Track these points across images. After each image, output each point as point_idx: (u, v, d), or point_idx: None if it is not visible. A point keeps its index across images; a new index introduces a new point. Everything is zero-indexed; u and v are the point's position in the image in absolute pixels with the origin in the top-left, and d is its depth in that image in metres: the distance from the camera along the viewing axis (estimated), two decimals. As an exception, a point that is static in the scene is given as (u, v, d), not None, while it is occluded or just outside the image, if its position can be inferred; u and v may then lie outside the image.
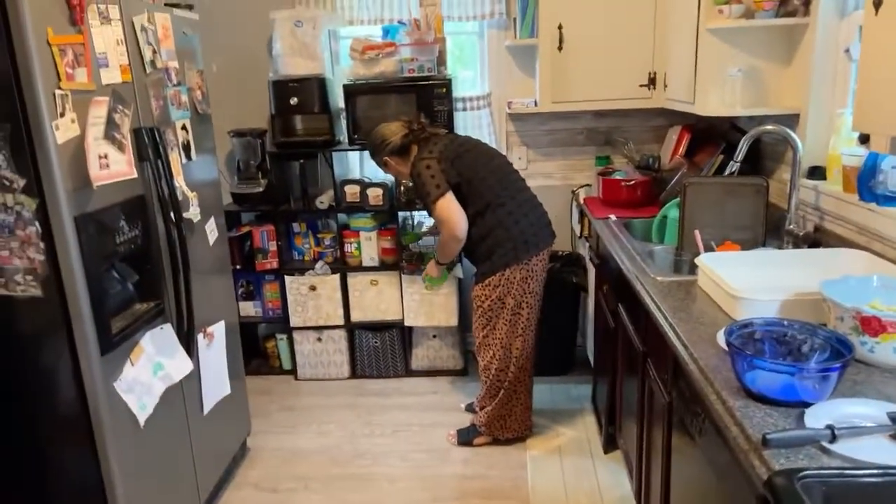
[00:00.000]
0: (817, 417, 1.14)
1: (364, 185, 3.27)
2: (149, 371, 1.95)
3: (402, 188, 3.28)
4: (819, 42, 2.16)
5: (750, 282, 1.64)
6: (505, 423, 2.78)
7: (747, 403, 1.23)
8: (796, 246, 2.13)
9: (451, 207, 2.50)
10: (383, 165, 2.72)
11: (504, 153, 3.15)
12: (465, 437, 2.83)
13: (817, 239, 2.12)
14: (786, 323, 1.36)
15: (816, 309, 1.47)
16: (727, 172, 2.28)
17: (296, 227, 3.50)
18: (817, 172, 2.22)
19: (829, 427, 1.08)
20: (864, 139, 1.80)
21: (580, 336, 3.51)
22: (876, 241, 1.85)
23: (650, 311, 1.81)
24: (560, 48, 2.94)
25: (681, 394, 1.62)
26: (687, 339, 1.53)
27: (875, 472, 1.00)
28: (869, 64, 1.30)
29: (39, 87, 1.54)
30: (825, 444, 1.06)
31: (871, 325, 1.30)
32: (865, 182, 1.86)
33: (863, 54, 1.32)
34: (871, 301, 1.44)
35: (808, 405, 1.18)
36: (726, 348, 1.33)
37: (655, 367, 1.88)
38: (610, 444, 2.71)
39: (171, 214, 2.05)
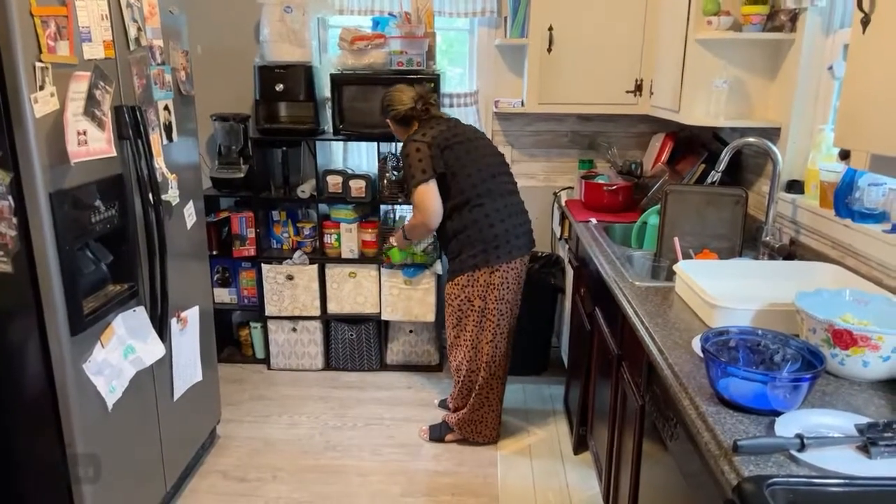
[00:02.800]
0: (787, 426, 1.16)
1: (347, 177, 3.25)
2: (119, 353, 1.92)
3: (386, 181, 3.26)
4: (804, 58, 2.19)
5: (726, 291, 1.66)
6: (476, 429, 2.77)
7: (719, 410, 1.24)
8: (772, 257, 2.17)
9: (429, 196, 2.48)
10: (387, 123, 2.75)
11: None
12: (437, 434, 2.83)
13: (792, 251, 2.16)
14: (760, 332, 1.38)
15: (790, 320, 1.49)
16: (708, 182, 2.31)
17: (275, 215, 3.46)
18: (796, 186, 2.26)
19: (799, 436, 1.10)
20: (845, 155, 1.83)
21: (555, 337, 3.53)
22: (849, 256, 1.88)
23: (627, 315, 1.82)
24: (549, 50, 2.95)
25: (654, 398, 1.64)
26: (662, 344, 1.54)
27: (841, 482, 1.02)
28: (853, 81, 1.32)
29: (19, 58, 1.50)
30: (794, 452, 1.08)
31: (843, 339, 1.33)
32: (842, 198, 1.90)
33: (848, 71, 1.34)
34: (842, 315, 1.46)
35: (778, 414, 1.20)
36: (701, 354, 1.35)
37: (630, 371, 1.90)
38: (580, 446, 2.73)
39: (150, 195, 2.01)
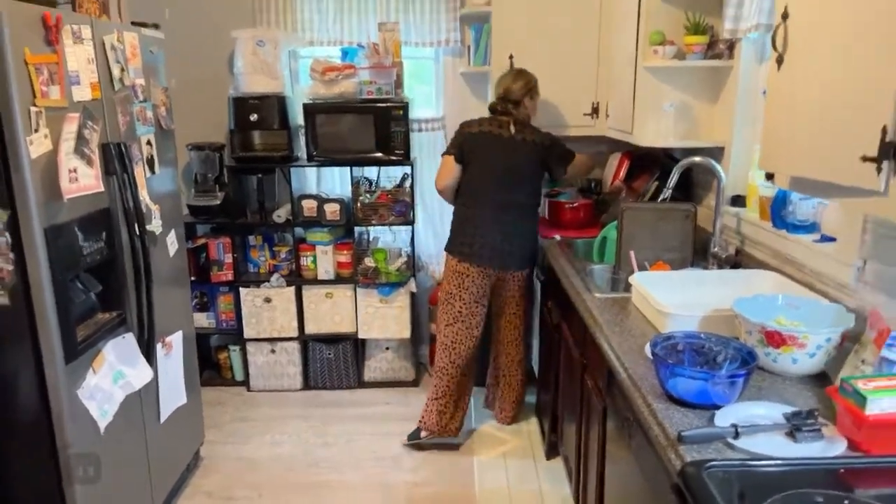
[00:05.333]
0: (725, 417, 1.31)
1: (321, 201, 3.37)
2: (109, 379, 2.00)
3: (359, 204, 3.40)
4: (741, 84, 2.40)
5: (677, 299, 1.83)
6: (440, 420, 2.91)
7: (668, 406, 1.40)
8: (720, 267, 2.35)
9: (444, 166, 2.86)
10: None
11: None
12: (415, 434, 2.96)
13: (738, 261, 2.35)
14: (703, 336, 1.55)
15: (731, 324, 1.66)
16: (660, 199, 2.49)
17: (252, 239, 3.56)
18: (739, 201, 2.45)
19: (734, 426, 1.25)
20: (770, 176, 2.03)
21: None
22: (787, 264, 2.07)
23: (588, 325, 1.98)
24: (511, 77, 3.12)
25: (614, 400, 1.79)
26: (619, 351, 1.70)
27: (769, 462, 1.17)
28: (772, 112, 1.50)
29: (16, 103, 1.60)
30: (730, 440, 1.24)
31: (774, 339, 1.49)
32: (777, 211, 2.09)
33: (767, 103, 1.53)
34: (776, 317, 1.64)
35: (718, 407, 1.36)
36: (652, 358, 1.51)
37: (593, 377, 2.05)
38: (552, 451, 2.87)
39: (136, 227, 2.11)
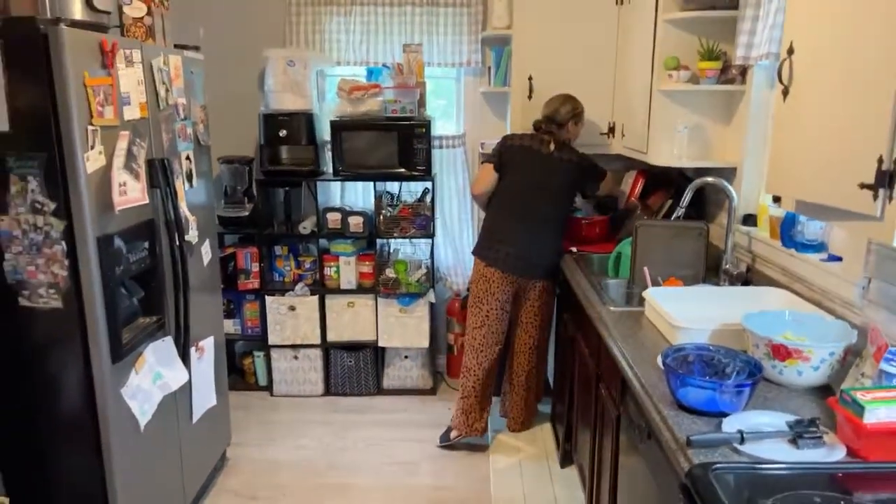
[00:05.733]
0: (732, 424, 1.40)
1: (345, 213, 3.50)
2: (149, 379, 2.13)
3: (382, 217, 3.52)
4: (753, 107, 2.49)
5: (689, 314, 1.92)
6: (467, 420, 3.06)
7: (678, 413, 1.49)
8: (731, 283, 2.43)
9: (483, 172, 3.05)
10: None
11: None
12: (445, 437, 3.12)
13: (749, 278, 2.43)
14: (712, 348, 1.64)
15: (739, 338, 1.75)
16: (674, 217, 2.59)
17: (278, 250, 3.69)
18: (750, 220, 2.54)
19: (740, 431, 1.34)
20: (777, 198, 2.12)
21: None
22: (796, 282, 2.15)
23: (603, 336, 2.07)
24: (530, 97, 3.24)
25: (627, 408, 1.88)
26: (633, 361, 1.79)
27: (772, 466, 1.26)
28: (778, 140, 1.60)
29: (75, 123, 1.74)
30: (736, 445, 1.33)
31: (780, 352, 1.58)
32: (787, 231, 2.18)
33: (774, 131, 1.63)
34: (783, 332, 1.72)
35: (726, 415, 1.45)
36: (664, 368, 1.60)
37: (607, 386, 2.14)
38: (566, 460, 2.95)
39: (176, 237, 2.24)
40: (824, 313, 1.86)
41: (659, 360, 1.75)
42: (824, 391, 1.59)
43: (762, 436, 1.35)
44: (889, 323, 1.66)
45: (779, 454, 1.30)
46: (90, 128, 1.79)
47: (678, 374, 1.52)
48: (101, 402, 1.92)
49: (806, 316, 1.81)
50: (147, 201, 2.09)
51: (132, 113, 2.01)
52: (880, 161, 1.21)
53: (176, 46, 2.47)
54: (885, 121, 1.18)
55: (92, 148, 1.80)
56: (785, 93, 1.54)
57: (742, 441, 1.33)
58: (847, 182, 1.29)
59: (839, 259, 1.96)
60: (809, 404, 1.53)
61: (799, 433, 1.34)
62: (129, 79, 1.99)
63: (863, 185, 1.25)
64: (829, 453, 1.30)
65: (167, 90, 2.25)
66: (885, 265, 1.71)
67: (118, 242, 1.94)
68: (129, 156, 1.98)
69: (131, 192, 1.99)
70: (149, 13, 2.39)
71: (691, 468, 1.26)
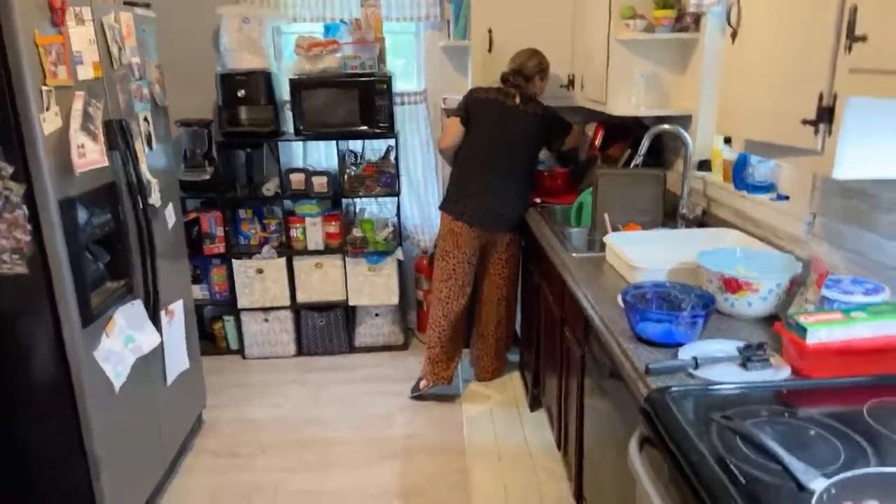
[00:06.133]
0: (687, 353, 1.49)
1: (309, 174, 3.48)
2: (121, 342, 2.14)
3: (346, 176, 3.52)
4: (706, 55, 2.55)
5: (646, 256, 2.00)
6: (434, 369, 3.16)
7: (637, 346, 1.58)
8: (688, 227, 2.53)
9: (450, 126, 3.06)
10: None
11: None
12: (415, 388, 3.20)
13: (705, 221, 2.53)
14: (668, 285, 1.73)
15: (694, 275, 1.84)
16: (633, 165, 2.66)
17: (242, 213, 3.67)
18: (705, 165, 2.63)
19: (694, 358, 1.43)
20: (728, 140, 2.20)
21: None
22: (748, 222, 2.25)
23: (566, 281, 2.15)
24: (490, 50, 3.25)
25: (591, 348, 1.97)
26: (595, 302, 1.87)
27: (723, 386, 1.36)
28: (727, 81, 1.66)
29: (28, 83, 1.70)
30: (691, 370, 1.42)
31: (731, 285, 1.68)
32: (739, 174, 2.27)
33: (723, 73, 1.69)
34: (735, 268, 1.82)
35: (682, 345, 1.54)
36: (623, 305, 1.68)
37: (571, 329, 2.23)
38: (535, 404, 3.07)
39: (139, 199, 2.22)
40: (773, 249, 1.96)
41: (619, 298, 1.83)
42: (772, 320, 1.69)
43: (714, 361, 1.45)
44: (831, 254, 1.77)
45: (730, 376, 1.40)
46: (44, 88, 1.75)
47: (637, 310, 1.60)
48: (75, 365, 1.92)
49: (756, 252, 1.91)
50: (107, 163, 2.07)
51: (86, 73, 1.97)
52: (820, 97, 1.27)
53: (126, 4, 2.40)
54: (825, 58, 1.25)
55: (47, 109, 1.77)
56: (733, 35, 1.60)
57: (696, 367, 1.42)
58: (791, 119, 1.36)
59: (787, 198, 2.06)
60: (759, 332, 1.64)
61: (748, 357, 1.44)
62: (81, 37, 1.94)
63: (805, 122, 1.31)
64: (776, 373, 1.40)
65: (120, 49, 2.20)
66: (828, 201, 1.81)
67: (80, 206, 1.92)
68: (86, 117, 1.94)
69: (90, 154, 1.97)
70: (95, -31, 2.31)
71: (650, 393, 1.35)
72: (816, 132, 1.30)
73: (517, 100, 2.94)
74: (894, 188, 1.54)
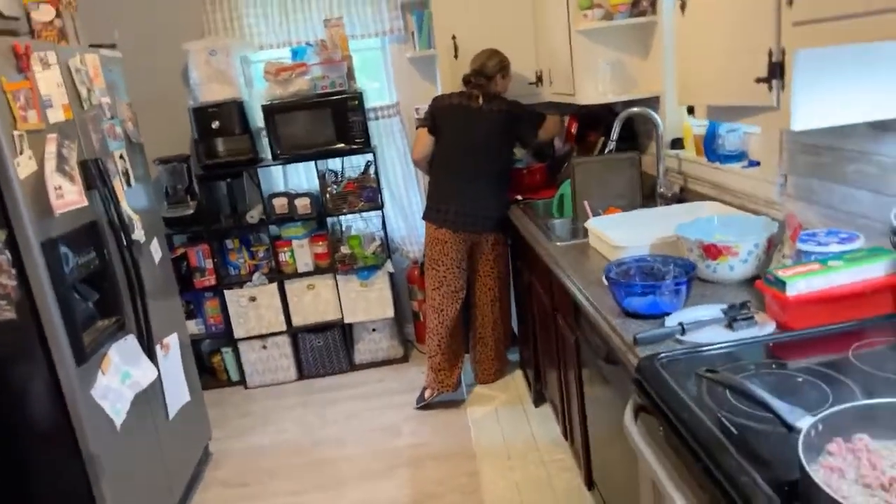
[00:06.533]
0: (674, 320, 1.51)
1: (291, 197, 3.51)
2: (118, 379, 2.14)
3: (328, 195, 3.54)
4: (666, 35, 2.59)
5: (628, 235, 2.03)
6: (437, 377, 3.16)
7: (625, 321, 1.59)
8: (667, 205, 2.55)
9: (419, 138, 3.12)
10: None
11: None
12: (420, 399, 3.20)
13: (683, 197, 2.56)
14: (649, 258, 1.75)
15: (675, 247, 1.86)
16: (607, 151, 2.69)
17: (229, 243, 3.68)
18: (678, 143, 2.66)
19: (681, 324, 1.45)
20: (691, 110, 2.23)
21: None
22: (724, 192, 2.28)
23: (553, 269, 2.17)
24: (456, 56, 3.29)
25: (582, 331, 1.99)
26: (581, 285, 1.89)
27: (711, 346, 1.37)
28: (682, 52, 1.70)
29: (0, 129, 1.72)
30: (678, 336, 1.44)
31: (711, 252, 1.70)
32: (710, 146, 2.31)
33: (677, 45, 1.73)
34: (714, 235, 1.84)
35: (668, 314, 1.56)
36: (607, 283, 1.70)
37: (563, 316, 2.25)
38: (539, 399, 3.08)
39: (122, 236, 2.24)
40: (749, 214, 1.98)
41: (605, 279, 1.85)
42: (755, 282, 1.71)
43: (701, 325, 1.46)
44: (806, 211, 1.80)
45: (717, 337, 1.41)
46: (16, 133, 1.77)
47: (621, 285, 1.62)
48: (72, 405, 1.92)
49: (732, 218, 1.93)
50: (86, 203, 2.08)
51: (56, 115, 1.99)
52: (770, 54, 1.31)
53: (91, 46, 2.43)
54: (769, 15, 1.28)
55: (21, 153, 1.78)
56: (682, 7, 1.64)
57: (683, 332, 1.44)
58: (745, 79, 1.39)
59: (758, 164, 2.10)
60: (743, 294, 1.65)
61: (733, 317, 1.45)
62: (48, 81, 1.96)
63: (759, 80, 1.35)
64: (761, 329, 1.42)
65: (89, 90, 2.22)
66: (796, 160, 1.84)
67: (63, 246, 1.94)
68: (61, 158, 1.96)
69: (68, 195, 1.98)
70: (58, 15, 2.35)
71: (639, 362, 1.37)
72: (770, 88, 1.33)
73: (480, 101, 2.97)
74: (855, 139, 1.57)
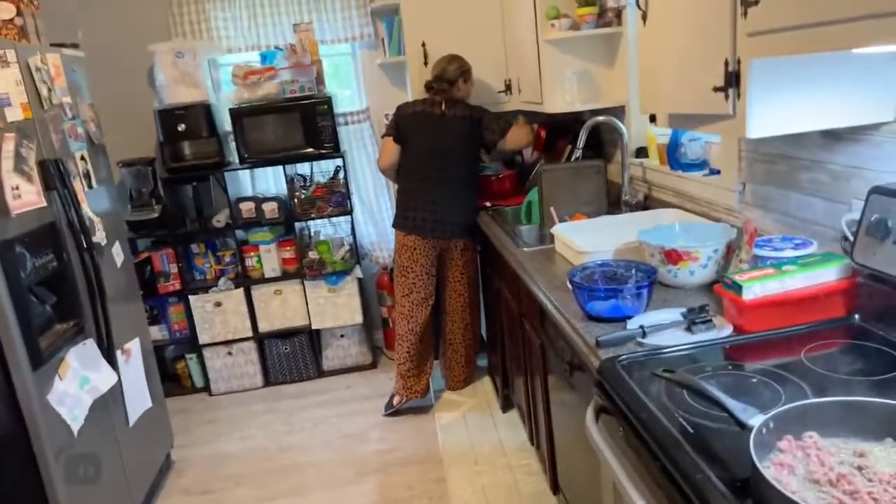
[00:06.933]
0: (635, 324, 1.53)
1: (259, 201, 3.47)
2: (76, 384, 2.09)
3: (296, 200, 3.52)
4: (631, 46, 2.65)
5: (592, 241, 2.06)
6: (406, 384, 3.16)
7: (588, 324, 1.61)
8: (631, 212, 2.60)
9: (385, 147, 3.12)
10: None
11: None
12: (388, 405, 3.19)
13: (647, 205, 2.61)
14: (612, 263, 1.78)
15: (638, 252, 1.89)
16: (573, 159, 2.73)
17: (194, 248, 3.63)
18: (642, 152, 2.71)
19: (641, 327, 1.48)
20: (653, 118, 2.28)
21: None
22: (686, 200, 2.33)
23: (519, 274, 2.19)
24: (426, 63, 3.30)
25: (548, 335, 2.01)
26: (546, 289, 1.91)
27: (670, 348, 1.40)
28: (644, 62, 1.74)
29: (-47, 127, 1.67)
30: (639, 339, 1.46)
31: (672, 257, 1.73)
32: (672, 155, 2.36)
33: (639, 55, 1.76)
34: (676, 241, 1.88)
35: (630, 318, 1.58)
36: (571, 287, 1.72)
37: (529, 320, 2.26)
38: (507, 404, 3.09)
39: (82, 238, 2.19)
40: (709, 221, 2.03)
41: (568, 282, 1.87)
42: (714, 286, 1.75)
43: (661, 328, 1.49)
44: (763, 218, 1.85)
45: (676, 340, 1.44)
46: (-30, 131, 1.73)
47: (584, 288, 1.64)
48: (28, 410, 1.87)
49: (693, 225, 1.98)
50: (44, 204, 2.03)
51: (14, 114, 1.94)
52: (726, 63, 1.34)
53: (53, 46, 2.38)
54: (725, 26, 1.32)
55: (-25, 152, 1.74)
56: (644, 18, 1.67)
57: (644, 335, 1.46)
58: (703, 88, 1.43)
59: (718, 172, 2.15)
60: (703, 299, 1.68)
61: (692, 320, 1.48)
62: (6, 79, 1.92)
63: (716, 88, 1.38)
64: (719, 332, 1.45)
65: (49, 89, 2.18)
66: (754, 169, 1.89)
67: (20, 247, 1.89)
68: (18, 158, 1.92)
69: (26, 196, 1.94)
70: (19, 13, 2.30)
71: (601, 364, 1.38)
72: (727, 97, 1.36)
73: (443, 106, 2.99)
74: (809, 148, 1.62)
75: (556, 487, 2.29)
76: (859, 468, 0.92)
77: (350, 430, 3.12)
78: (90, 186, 2.41)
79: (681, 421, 1.12)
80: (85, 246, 2.21)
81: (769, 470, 0.93)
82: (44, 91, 2.14)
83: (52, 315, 2.11)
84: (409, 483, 2.65)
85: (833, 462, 0.94)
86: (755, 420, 1.00)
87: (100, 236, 2.39)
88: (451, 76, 3.00)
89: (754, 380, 1.24)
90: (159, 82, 3.28)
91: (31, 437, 1.88)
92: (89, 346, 2.19)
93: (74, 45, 2.50)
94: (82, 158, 2.38)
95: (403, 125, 3.03)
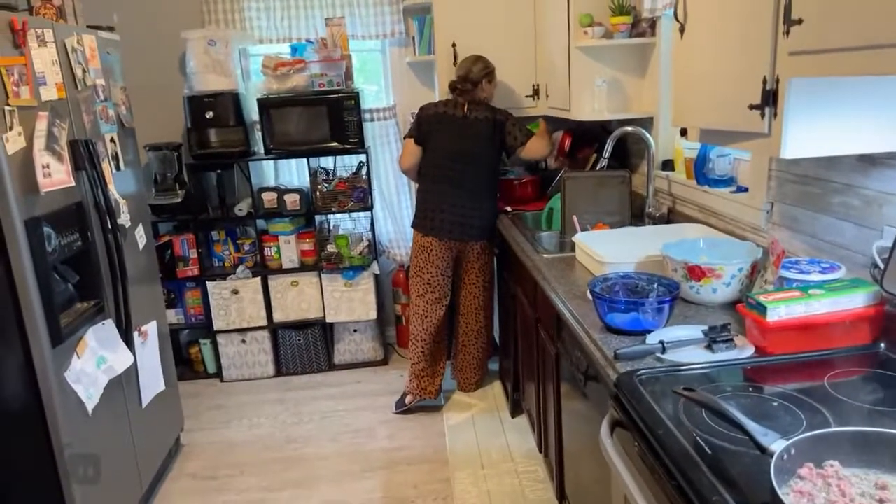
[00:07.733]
0: (655, 338, 1.52)
1: (281, 192, 3.49)
2: (93, 363, 2.11)
3: (318, 193, 3.53)
4: (664, 57, 2.63)
5: (614, 251, 2.04)
6: (419, 384, 3.15)
7: (607, 336, 1.60)
8: (655, 225, 2.58)
9: (406, 148, 3.10)
10: None
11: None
12: (400, 403, 3.19)
13: (671, 218, 2.58)
14: (634, 275, 1.76)
15: (660, 266, 1.87)
16: (598, 168, 2.71)
17: (215, 234, 3.66)
18: (669, 165, 2.69)
19: (661, 342, 1.46)
20: (684, 132, 2.26)
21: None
22: (711, 215, 2.31)
23: (538, 280, 2.18)
24: (455, 63, 3.30)
25: (564, 343, 2.00)
26: (565, 297, 1.90)
27: (690, 366, 1.39)
28: (679, 75, 1.72)
29: (-11, 104, 1.70)
30: (658, 354, 1.45)
31: (695, 273, 1.71)
32: (700, 169, 2.33)
33: (674, 68, 1.75)
34: (699, 257, 1.86)
35: (649, 332, 1.57)
36: (592, 297, 1.70)
37: (545, 328, 2.25)
38: (516, 409, 3.08)
39: (108, 219, 2.21)
40: (735, 238, 2.01)
41: (589, 294, 1.86)
42: (737, 305, 1.73)
43: (681, 344, 1.48)
44: (790, 239, 1.82)
45: (696, 358, 1.43)
46: (7, 108, 1.75)
47: (605, 300, 1.63)
48: (45, 386, 1.89)
49: (718, 241, 1.95)
50: (73, 183, 2.06)
51: (49, 93, 1.97)
52: (764, 81, 1.33)
53: (89, 27, 2.41)
54: (765, 43, 1.30)
55: (10, 129, 1.76)
56: (681, 31, 1.66)
57: (664, 351, 1.45)
58: (739, 105, 1.41)
59: (746, 190, 2.12)
60: (724, 317, 1.67)
61: (713, 338, 1.47)
62: (43, 58, 1.95)
63: (752, 106, 1.37)
64: (740, 353, 1.43)
65: (84, 71, 2.20)
66: (783, 189, 1.86)
67: (47, 225, 1.91)
68: (50, 137, 1.94)
69: (56, 175, 1.96)
70: (57, -6, 2.33)
71: (618, 377, 1.37)
72: (763, 115, 1.34)
73: (466, 108, 2.98)
74: (843, 171, 1.59)
75: (562, 496, 2.28)
76: (880, 501, 0.91)
77: (358, 425, 3.13)
78: (118, 168, 2.44)
79: (698, 440, 1.11)
80: (110, 227, 2.24)
81: (789, 497, 0.91)
82: (78, 72, 2.16)
83: (74, 294, 2.14)
84: (415, 482, 2.65)
85: (854, 493, 0.92)
86: (776, 445, 0.98)
87: (124, 218, 2.41)
88: (475, 77, 2.99)
89: (775, 403, 1.22)
90: (190, 69, 3.30)
91: (46, 413, 1.91)
92: (108, 327, 2.21)
93: (110, 28, 2.53)
94: (112, 140, 2.40)
95: (425, 126, 3.02)
